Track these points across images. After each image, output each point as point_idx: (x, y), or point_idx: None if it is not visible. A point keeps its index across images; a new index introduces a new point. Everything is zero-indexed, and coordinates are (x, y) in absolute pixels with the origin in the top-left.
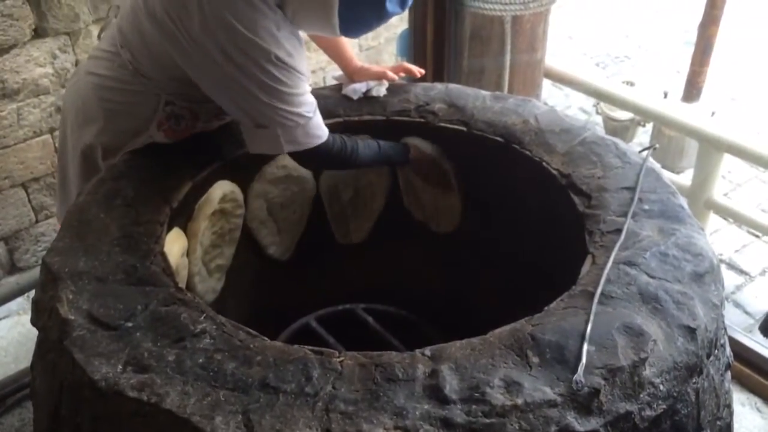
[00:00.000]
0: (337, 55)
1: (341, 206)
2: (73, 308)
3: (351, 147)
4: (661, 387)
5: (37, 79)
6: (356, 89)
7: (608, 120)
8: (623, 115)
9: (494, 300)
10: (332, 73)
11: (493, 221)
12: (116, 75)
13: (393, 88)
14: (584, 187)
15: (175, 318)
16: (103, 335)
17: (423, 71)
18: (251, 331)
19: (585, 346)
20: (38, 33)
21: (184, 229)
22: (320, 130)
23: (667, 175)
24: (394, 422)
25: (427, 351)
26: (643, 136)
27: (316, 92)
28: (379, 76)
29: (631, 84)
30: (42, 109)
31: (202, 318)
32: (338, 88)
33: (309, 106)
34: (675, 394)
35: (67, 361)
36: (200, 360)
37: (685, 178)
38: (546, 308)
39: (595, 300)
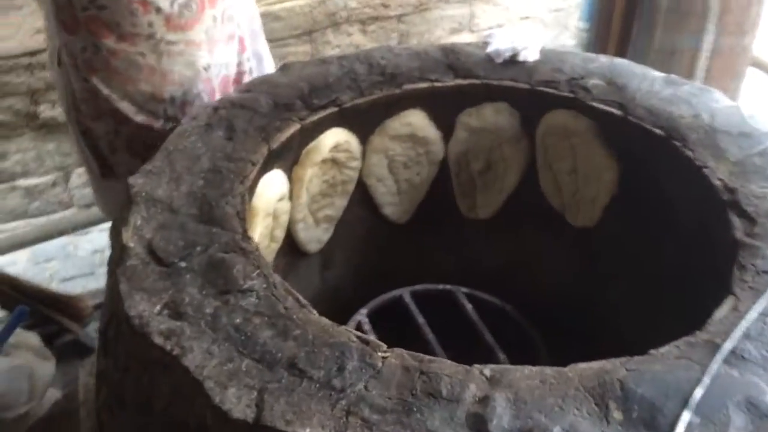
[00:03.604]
0: None
1: (470, 176)
2: (136, 235)
3: None
4: None
5: None
6: (500, 51)
7: None
8: None
9: (619, 317)
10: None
11: (634, 223)
12: None
13: (547, 55)
14: (750, 209)
15: (228, 268)
16: (154, 270)
17: None
18: (301, 299)
19: (686, 415)
20: None
21: (290, 173)
22: None
23: None
24: None
25: (487, 370)
26: None
27: (460, 48)
28: None
29: None
30: None
31: (255, 274)
32: (485, 46)
33: None
34: None
35: (115, 289)
36: (237, 320)
37: None
38: (652, 351)
39: (719, 357)
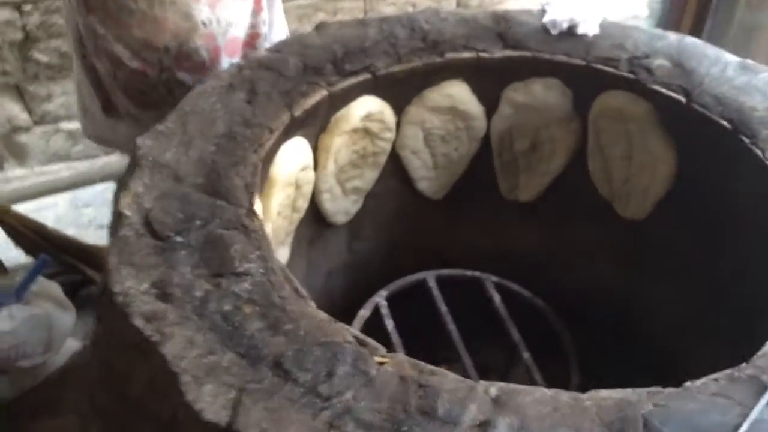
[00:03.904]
0: None
1: (513, 156)
2: (135, 203)
3: None
4: None
5: None
6: (557, 22)
7: None
8: None
9: (659, 321)
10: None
11: (688, 222)
12: None
13: (609, 29)
14: None
15: (226, 247)
16: (148, 243)
17: None
18: (300, 288)
19: None
20: None
21: (315, 141)
22: None
23: None
24: None
25: (493, 389)
26: None
27: (513, 15)
28: None
29: None
30: None
31: (254, 256)
32: (541, 15)
33: None
34: None
35: (106, 259)
36: (226, 307)
37: None
38: (686, 384)
39: (764, 399)
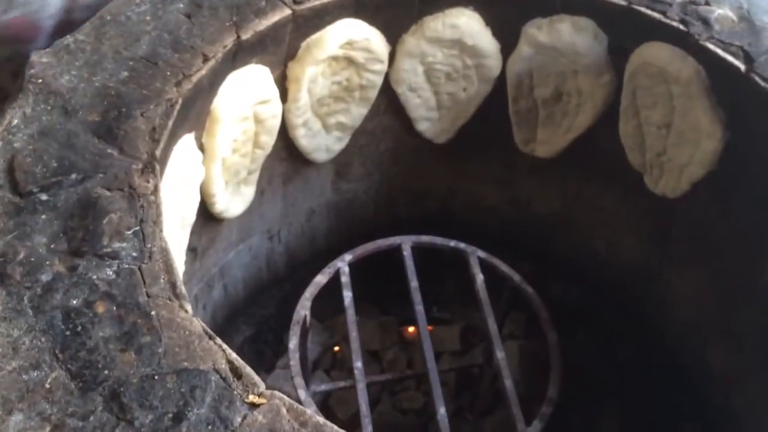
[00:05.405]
0: None
1: (532, 104)
2: (4, 140)
3: None
4: None
5: None
6: None
7: None
8: None
9: (672, 314)
10: None
11: (728, 212)
12: None
13: None
14: None
15: (100, 215)
16: (3, 199)
17: None
18: (179, 284)
19: None
20: None
21: (283, 69)
22: None
23: None
24: None
25: None
26: None
27: None
28: None
29: None
30: None
31: (130, 232)
32: None
33: None
34: None
35: None
36: (74, 301)
37: None
38: None
39: None
